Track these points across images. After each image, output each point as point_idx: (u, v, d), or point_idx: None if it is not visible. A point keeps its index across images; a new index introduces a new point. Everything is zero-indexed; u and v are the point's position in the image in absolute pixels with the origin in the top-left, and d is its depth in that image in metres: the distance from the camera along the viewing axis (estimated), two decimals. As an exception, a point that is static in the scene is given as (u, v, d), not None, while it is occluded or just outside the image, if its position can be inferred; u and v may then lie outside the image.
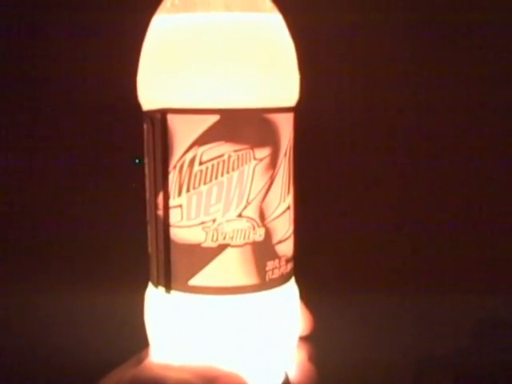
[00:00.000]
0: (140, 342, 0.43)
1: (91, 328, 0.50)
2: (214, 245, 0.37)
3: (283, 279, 0.39)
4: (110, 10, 0.55)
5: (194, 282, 0.37)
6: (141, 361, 0.41)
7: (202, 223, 0.37)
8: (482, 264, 0.57)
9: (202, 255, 0.37)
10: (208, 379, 0.35)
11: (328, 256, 0.55)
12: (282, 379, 0.41)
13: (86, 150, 0.60)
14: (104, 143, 0.59)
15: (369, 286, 0.55)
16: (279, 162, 0.38)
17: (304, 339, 0.43)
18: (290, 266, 0.40)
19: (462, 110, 0.56)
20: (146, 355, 0.42)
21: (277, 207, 0.38)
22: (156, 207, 0.38)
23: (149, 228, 0.40)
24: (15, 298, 0.55)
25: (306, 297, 0.42)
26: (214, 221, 0.37)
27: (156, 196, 0.38)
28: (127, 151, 0.58)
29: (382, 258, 0.56)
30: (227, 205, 0.37)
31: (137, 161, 0.62)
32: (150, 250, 0.40)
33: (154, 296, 0.40)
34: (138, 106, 0.40)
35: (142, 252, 0.42)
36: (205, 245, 0.37)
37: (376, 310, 0.52)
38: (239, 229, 0.37)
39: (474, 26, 0.55)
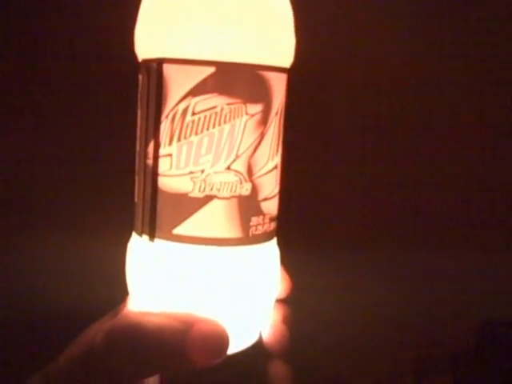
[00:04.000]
0: (121, 295, 0.44)
1: (75, 278, 0.51)
2: (200, 195, 0.37)
3: (266, 237, 0.40)
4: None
5: (179, 230, 0.38)
6: (118, 312, 0.42)
7: (191, 173, 0.37)
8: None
9: (188, 205, 0.38)
10: (187, 324, 0.36)
11: (308, 216, 0.56)
12: (255, 337, 0.41)
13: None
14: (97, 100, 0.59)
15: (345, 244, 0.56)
16: (270, 120, 0.38)
17: (280, 301, 0.44)
18: (273, 224, 0.41)
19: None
20: (125, 305, 0.42)
21: (265, 164, 0.39)
22: (146, 156, 0.39)
23: (136, 178, 0.40)
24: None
25: (286, 260, 0.43)
26: (202, 171, 0.37)
27: (146, 145, 0.38)
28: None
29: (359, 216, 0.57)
30: (216, 156, 0.37)
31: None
32: (136, 199, 0.41)
33: (136, 245, 0.40)
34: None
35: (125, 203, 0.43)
36: (192, 195, 0.37)
37: (352, 270, 0.53)
38: (227, 181, 0.37)
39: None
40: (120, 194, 0.53)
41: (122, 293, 0.43)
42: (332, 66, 0.53)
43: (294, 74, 0.40)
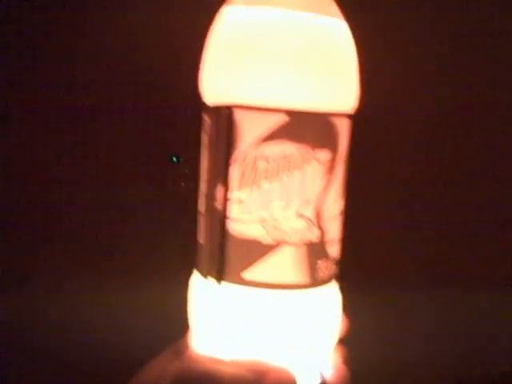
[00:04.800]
0: (171, 331, 0.44)
1: (118, 320, 0.51)
2: (270, 240, 0.38)
3: (330, 279, 0.40)
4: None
5: (248, 275, 0.38)
6: (179, 352, 0.42)
7: (261, 218, 0.38)
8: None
9: (258, 250, 0.38)
10: (259, 373, 0.36)
11: (370, 257, 0.56)
12: (319, 379, 0.42)
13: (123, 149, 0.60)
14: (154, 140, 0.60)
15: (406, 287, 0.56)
16: (337, 165, 0.39)
17: (339, 342, 0.44)
18: (336, 267, 0.41)
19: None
20: (186, 346, 0.42)
21: (332, 210, 0.39)
22: (213, 199, 0.39)
23: (201, 219, 0.41)
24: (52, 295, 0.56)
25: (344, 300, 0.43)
26: (272, 217, 0.38)
27: (214, 188, 0.39)
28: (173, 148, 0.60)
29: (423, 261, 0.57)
30: (287, 202, 0.37)
31: (174, 159, 0.62)
32: (201, 240, 0.41)
33: (201, 286, 0.41)
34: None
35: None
36: (262, 240, 0.38)
37: (412, 313, 0.54)
38: (296, 227, 0.38)
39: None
40: (174, 235, 0.54)
41: (174, 328, 0.44)
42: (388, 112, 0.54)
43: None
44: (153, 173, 0.61)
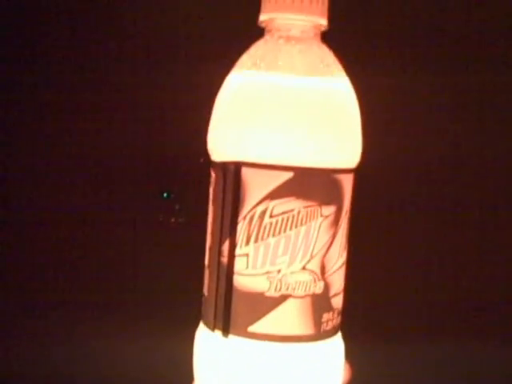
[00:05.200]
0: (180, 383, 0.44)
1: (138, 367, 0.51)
2: (276, 294, 0.39)
3: (335, 331, 0.41)
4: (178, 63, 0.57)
5: (254, 328, 0.39)
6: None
7: (267, 273, 0.38)
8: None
9: (264, 303, 0.39)
10: None
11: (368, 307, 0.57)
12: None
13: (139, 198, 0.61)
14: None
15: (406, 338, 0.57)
16: (341, 219, 0.40)
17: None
18: (340, 318, 0.42)
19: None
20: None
21: (335, 262, 0.40)
22: (220, 254, 0.40)
23: (207, 273, 0.42)
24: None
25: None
26: (279, 271, 0.38)
27: (221, 243, 0.40)
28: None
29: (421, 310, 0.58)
30: (293, 257, 0.38)
31: (165, 195, 0.63)
32: (206, 293, 0.42)
33: (208, 339, 0.41)
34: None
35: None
36: (268, 294, 0.38)
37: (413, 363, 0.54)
38: (302, 281, 0.39)
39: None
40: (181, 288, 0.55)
41: (179, 381, 0.44)
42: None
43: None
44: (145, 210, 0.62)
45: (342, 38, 0.43)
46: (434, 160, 0.57)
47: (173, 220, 0.63)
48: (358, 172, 0.42)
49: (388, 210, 0.58)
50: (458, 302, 0.60)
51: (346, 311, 0.43)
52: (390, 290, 0.59)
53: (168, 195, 0.64)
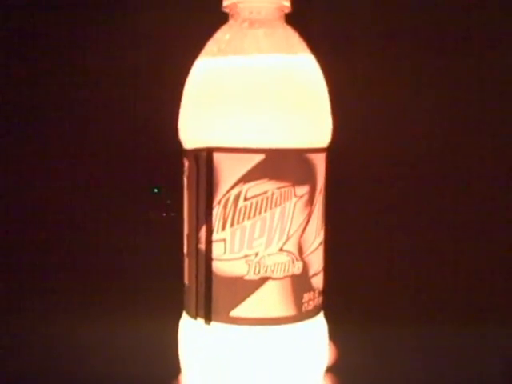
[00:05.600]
0: (166, 371, 0.44)
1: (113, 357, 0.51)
2: (255, 277, 0.38)
3: (316, 311, 0.41)
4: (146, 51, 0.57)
5: (236, 313, 0.39)
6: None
7: (245, 256, 0.38)
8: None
9: (244, 287, 0.39)
10: None
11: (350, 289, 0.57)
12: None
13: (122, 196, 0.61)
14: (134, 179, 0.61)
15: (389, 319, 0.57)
16: (315, 199, 0.40)
17: (328, 370, 0.45)
18: (321, 298, 0.42)
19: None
20: (178, 385, 0.43)
21: (313, 242, 0.40)
22: (198, 241, 0.40)
23: (187, 261, 0.41)
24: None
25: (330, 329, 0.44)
26: (256, 254, 0.38)
27: (198, 230, 0.40)
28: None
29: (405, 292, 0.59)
30: (269, 239, 0.38)
31: (155, 190, 0.63)
32: (187, 282, 0.41)
33: (190, 327, 0.41)
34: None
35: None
36: (247, 277, 0.38)
37: (397, 344, 0.55)
38: (280, 262, 0.39)
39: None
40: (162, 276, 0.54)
41: (168, 371, 0.44)
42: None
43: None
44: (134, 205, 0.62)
45: (308, 18, 0.43)
46: (410, 138, 0.57)
47: (164, 215, 0.63)
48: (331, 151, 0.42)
49: (369, 189, 0.58)
50: (445, 282, 0.60)
51: (329, 291, 0.43)
52: (374, 268, 0.59)
53: (158, 190, 0.64)
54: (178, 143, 0.42)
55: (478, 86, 0.59)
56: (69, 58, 0.59)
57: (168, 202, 0.62)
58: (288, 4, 0.41)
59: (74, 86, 0.59)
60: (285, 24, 0.41)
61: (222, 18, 0.42)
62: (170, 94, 0.42)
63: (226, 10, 0.41)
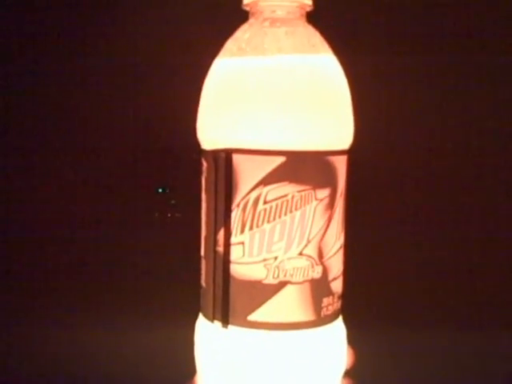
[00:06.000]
0: (177, 377, 0.44)
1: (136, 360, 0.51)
2: (274, 281, 0.38)
3: (335, 315, 0.41)
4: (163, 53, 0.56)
5: (254, 317, 0.38)
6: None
7: (264, 260, 0.38)
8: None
9: (263, 291, 0.38)
10: None
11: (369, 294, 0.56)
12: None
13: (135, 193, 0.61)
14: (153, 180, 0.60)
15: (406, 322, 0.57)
16: (336, 202, 0.39)
17: (346, 373, 0.44)
18: (340, 302, 0.41)
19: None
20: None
21: (333, 246, 0.39)
22: (216, 243, 0.39)
23: (204, 263, 0.41)
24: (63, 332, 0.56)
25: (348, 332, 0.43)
26: (275, 258, 0.38)
27: (216, 232, 0.39)
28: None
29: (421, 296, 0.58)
30: (289, 243, 0.38)
31: (160, 190, 0.63)
32: (204, 284, 0.41)
33: (207, 330, 0.41)
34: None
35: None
36: (266, 281, 0.38)
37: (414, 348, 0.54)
38: (299, 266, 0.38)
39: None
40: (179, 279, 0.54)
41: (181, 373, 0.44)
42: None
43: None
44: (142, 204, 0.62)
45: (331, 18, 0.42)
46: (430, 138, 0.56)
47: (169, 215, 0.62)
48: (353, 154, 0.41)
49: (387, 192, 0.57)
50: (460, 285, 0.59)
51: (347, 295, 0.43)
52: (391, 274, 0.59)
53: (163, 190, 0.63)
54: (189, 144, 0.41)
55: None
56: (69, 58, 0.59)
57: (172, 202, 0.62)
58: (310, 2, 0.40)
59: (76, 86, 0.59)
60: (306, 23, 0.40)
61: (242, 17, 0.41)
62: (183, 94, 0.41)
63: (247, 8, 0.41)
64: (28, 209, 0.60)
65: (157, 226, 0.60)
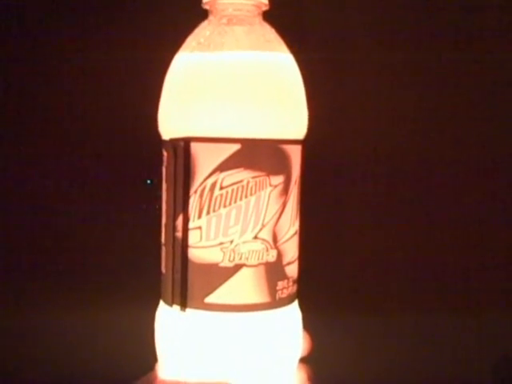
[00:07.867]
0: (145, 361, 0.45)
1: (94, 347, 0.52)
2: (230, 264, 0.39)
3: (290, 299, 0.42)
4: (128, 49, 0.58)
5: (210, 299, 0.40)
6: (150, 380, 0.43)
7: (221, 244, 0.39)
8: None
9: (219, 274, 0.39)
10: None
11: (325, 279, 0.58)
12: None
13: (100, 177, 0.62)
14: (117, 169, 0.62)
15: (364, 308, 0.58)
16: (290, 189, 0.41)
17: (303, 360, 0.46)
18: (295, 287, 0.43)
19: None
20: (154, 379, 0.43)
21: (287, 231, 0.41)
22: (174, 229, 0.41)
23: (164, 249, 0.42)
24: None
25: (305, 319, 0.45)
26: (231, 242, 0.39)
27: (175, 218, 0.40)
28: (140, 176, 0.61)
29: (378, 281, 0.60)
30: (244, 227, 0.39)
31: (148, 181, 0.64)
32: (164, 270, 0.42)
33: (166, 314, 0.42)
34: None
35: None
36: (222, 264, 0.39)
37: (370, 332, 0.55)
38: (254, 250, 0.40)
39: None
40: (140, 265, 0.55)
41: (145, 361, 0.44)
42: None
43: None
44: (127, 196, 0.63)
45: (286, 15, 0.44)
46: (385, 128, 0.59)
47: (157, 207, 0.64)
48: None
49: (343, 180, 0.59)
50: (418, 266, 0.61)
51: (305, 281, 0.44)
52: (351, 258, 0.60)
53: (151, 182, 0.64)
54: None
55: (459, 80, 0.60)
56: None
57: (158, 194, 0.64)
58: (266, 1, 0.42)
59: (63, 81, 0.60)
60: (262, 21, 0.43)
61: (201, 15, 0.43)
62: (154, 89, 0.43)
63: (206, 7, 0.43)
64: (14, 200, 0.61)
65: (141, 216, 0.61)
